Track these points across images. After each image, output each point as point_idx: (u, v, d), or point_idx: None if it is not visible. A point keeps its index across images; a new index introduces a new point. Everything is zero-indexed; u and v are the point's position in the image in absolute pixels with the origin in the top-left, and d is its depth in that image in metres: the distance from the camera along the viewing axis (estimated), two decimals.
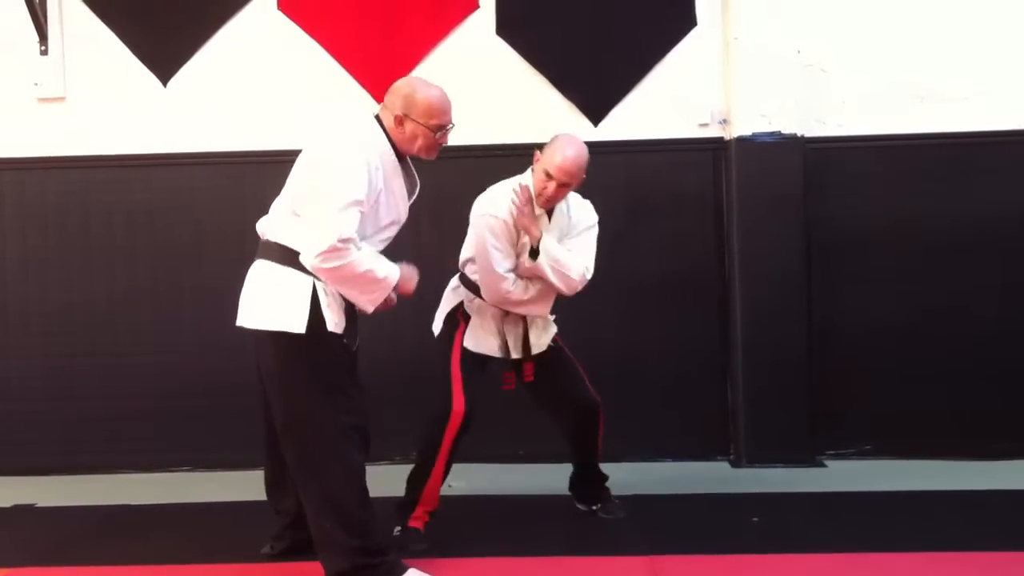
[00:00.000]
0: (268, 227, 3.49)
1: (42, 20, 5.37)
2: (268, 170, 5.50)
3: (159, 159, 5.47)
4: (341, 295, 3.40)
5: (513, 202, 3.92)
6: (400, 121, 3.43)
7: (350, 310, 3.45)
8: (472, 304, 4.12)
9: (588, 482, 4.32)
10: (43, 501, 4.77)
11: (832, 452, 5.29)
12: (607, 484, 4.34)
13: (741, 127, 5.25)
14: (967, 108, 5.27)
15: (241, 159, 5.39)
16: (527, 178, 4.01)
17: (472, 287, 4.10)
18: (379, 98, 5.38)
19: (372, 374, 5.30)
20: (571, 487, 4.37)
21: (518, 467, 5.22)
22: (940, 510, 4.29)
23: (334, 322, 3.37)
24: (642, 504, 4.42)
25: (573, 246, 4.01)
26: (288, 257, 3.36)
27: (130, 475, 5.30)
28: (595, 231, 4.10)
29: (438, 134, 3.49)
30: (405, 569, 3.43)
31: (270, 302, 3.38)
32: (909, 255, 5.29)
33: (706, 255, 5.39)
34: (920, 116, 5.29)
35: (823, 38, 5.30)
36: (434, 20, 5.42)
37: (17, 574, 3.71)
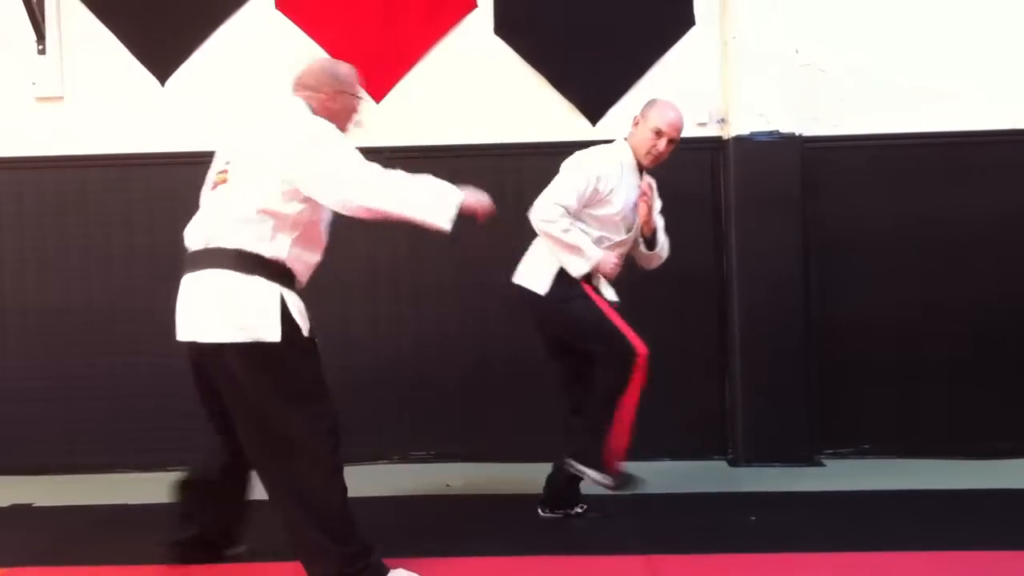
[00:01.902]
0: (216, 234, 3.31)
1: (40, 19, 5.37)
2: None
3: (157, 158, 5.47)
4: (300, 298, 3.36)
5: (644, 200, 4.10)
6: (334, 97, 3.49)
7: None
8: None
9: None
10: (41, 500, 4.77)
11: (830, 451, 5.29)
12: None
13: (739, 126, 5.25)
14: (964, 107, 5.27)
15: None
16: (618, 147, 4.16)
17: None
18: (377, 97, 5.40)
19: (371, 373, 5.36)
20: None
21: (516, 466, 5.21)
22: (938, 509, 4.30)
23: (305, 327, 3.32)
24: (640, 503, 4.42)
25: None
26: (249, 263, 3.24)
27: (128, 474, 5.30)
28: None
29: (358, 101, 3.60)
30: (388, 570, 3.40)
31: (236, 313, 3.22)
32: (907, 254, 5.30)
33: (704, 254, 5.39)
34: (918, 115, 5.30)
35: (821, 37, 5.30)
36: (432, 19, 5.42)
37: (15, 574, 3.70)
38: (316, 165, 3.23)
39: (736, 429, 5.30)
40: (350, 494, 4.13)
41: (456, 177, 5.36)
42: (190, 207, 5.44)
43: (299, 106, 3.48)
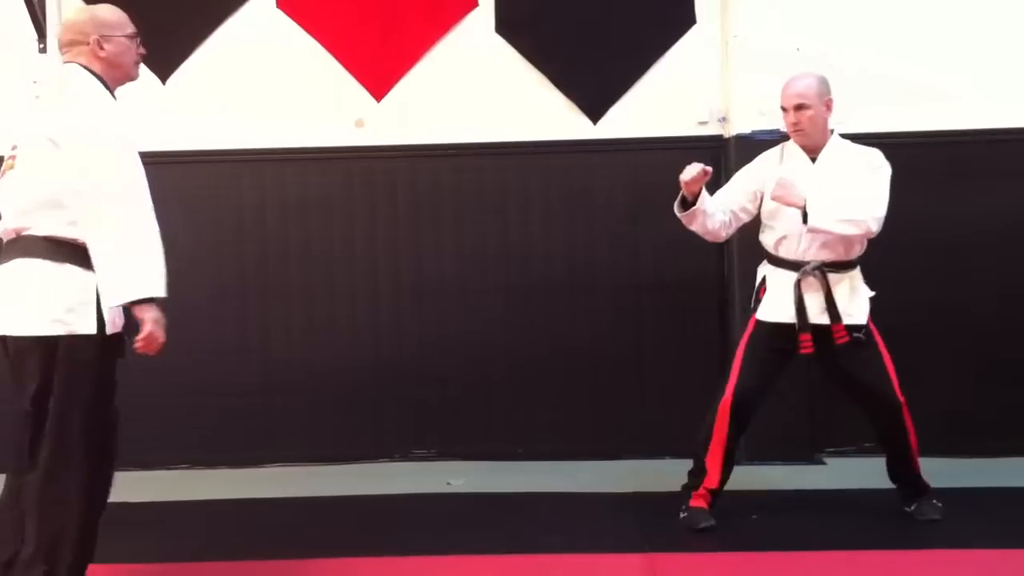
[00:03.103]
0: (24, 222, 3.05)
1: (41, 18, 5.36)
2: (267, 168, 5.55)
3: (157, 157, 5.40)
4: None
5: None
6: (100, 44, 3.15)
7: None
8: (766, 268, 4.18)
9: (901, 480, 4.21)
10: None
11: (832, 450, 5.28)
12: (926, 483, 4.18)
13: (740, 125, 5.24)
14: (967, 105, 5.26)
15: (240, 157, 5.39)
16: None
17: (765, 254, 4.18)
18: (378, 96, 5.40)
19: (373, 372, 5.36)
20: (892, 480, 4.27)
21: (516, 465, 5.21)
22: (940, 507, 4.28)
23: (115, 323, 3.12)
24: (641, 502, 4.42)
25: (856, 190, 3.98)
26: (64, 252, 3.01)
27: (129, 472, 5.27)
28: (883, 174, 4.07)
29: (135, 43, 3.26)
30: None
31: (48, 303, 3.01)
32: (909, 252, 5.28)
33: (705, 253, 5.36)
34: (920, 114, 5.28)
35: (822, 36, 5.29)
36: (433, 18, 5.41)
37: None
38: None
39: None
40: (352, 492, 4.13)
41: (456, 175, 5.43)
42: (192, 205, 5.49)
43: (71, 73, 3.16)
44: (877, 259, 5.29)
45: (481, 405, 5.37)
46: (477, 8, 5.41)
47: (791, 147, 4.13)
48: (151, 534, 4.14)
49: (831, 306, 4.00)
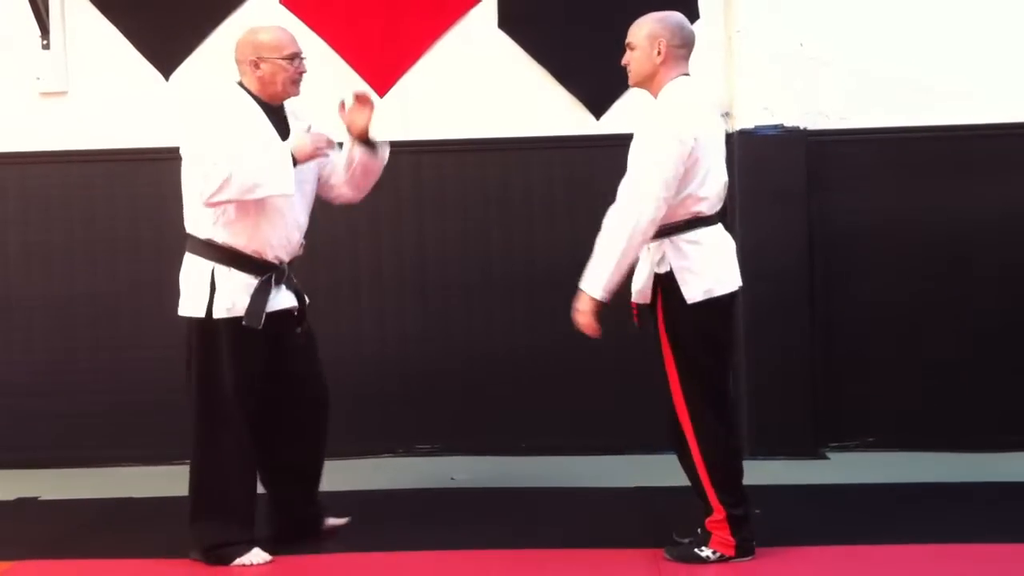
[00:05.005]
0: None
1: (44, 14, 5.36)
2: None
3: (161, 153, 5.44)
4: (241, 274, 3.56)
5: None
6: (256, 64, 3.56)
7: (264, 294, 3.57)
8: None
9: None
10: (47, 494, 4.79)
11: (835, 444, 5.29)
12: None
13: (743, 120, 5.24)
14: (970, 101, 5.25)
15: None
16: None
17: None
18: (381, 92, 5.40)
19: (377, 367, 5.37)
20: None
21: (520, 460, 5.22)
22: (942, 502, 4.29)
23: (225, 308, 3.54)
24: (645, 496, 4.43)
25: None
26: (194, 245, 3.64)
27: (133, 468, 5.31)
28: (651, 137, 3.50)
29: (294, 63, 3.62)
30: (242, 553, 3.61)
31: (184, 289, 3.65)
32: (911, 248, 5.29)
33: None
34: (923, 109, 5.27)
35: (826, 31, 5.28)
36: (436, 14, 5.41)
37: (21, 567, 3.72)
38: (185, 156, 3.58)
39: (740, 422, 5.29)
40: (358, 487, 4.17)
41: (460, 170, 5.43)
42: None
43: (221, 82, 3.64)
44: (882, 253, 5.32)
45: (485, 400, 5.37)
46: (479, 4, 5.40)
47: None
48: (155, 529, 4.14)
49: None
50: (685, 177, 3.44)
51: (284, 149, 3.47)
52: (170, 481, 4.96)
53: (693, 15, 5.36)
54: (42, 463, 5.31)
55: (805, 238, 5.22)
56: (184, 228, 3.73)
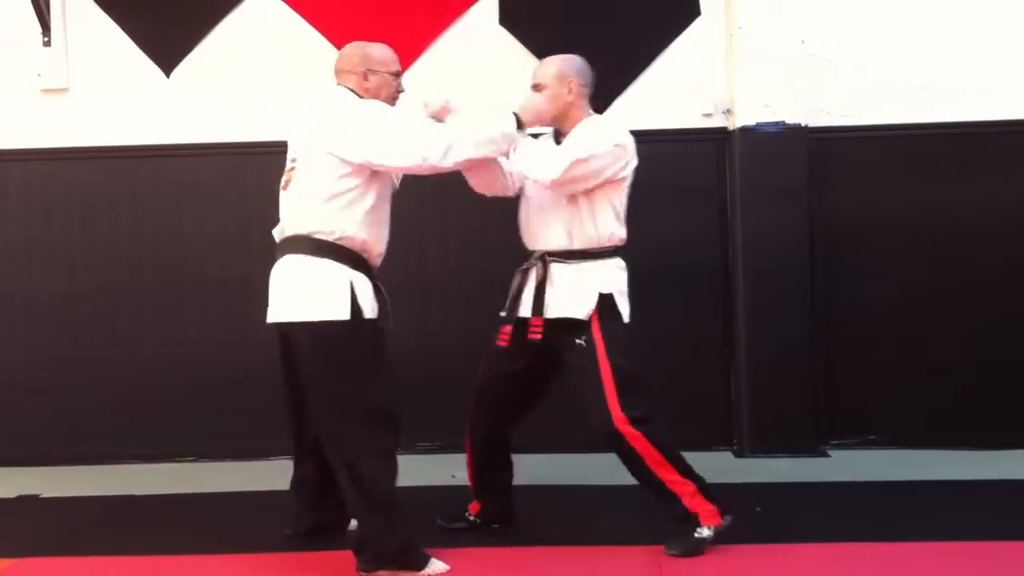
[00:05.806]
0: (290, 223, 3.55)
1: (45, 12, 5.37)
2: (272, 161, 5.53)
3: (162, 150, 5.48)
4: (372, 281, 3.59)
5: None
6: (366, 76, 3.62)
7: (381, 295, 3.62)
8: None
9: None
10: (48, 492, 4.79)
11: (836, 442, 5.29)
12: (685, 509, 3.68)
13: (745, 117, 5.24)
14: (972, 98, 5.25)
15: (245, 150, 5.39)
16: None
17: None
18: None
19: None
20: None
21: (519, 457, 5.20)
22: (943, 500, 4.29)
23: (371, 308, 3.52)
24: (644, 494, 4.41)
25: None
26: (322, 247, 3.46)
27: (135, 465, 5.32)
28: (595, 136, 3.78)
29: (398, 80, 3.71)
30: (428, 558, 3.50)
31: (307, 294, 3.45)
32: (913, 245, 5.29)
33: (709, 244, 5.38)
34: (924, 106, 5.27)
35: (827, 28, 5.28)
36: (437, 10, 5.41)
37: (22, 564, 3.72)
38: (377, 133, 3.41)
39: (741, 420, 5.30)
40: None
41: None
42: (195, 198, 5.50)
43: (341, 92, 3.63)
44: (884, 251, 5.32)
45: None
46: (481, 1, 5.40)
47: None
48: (156, 526, 4.15)
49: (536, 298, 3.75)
50: (619, 194, 3.83)
51: (507, 112, 3.58)
52: (171, 478, 5.00)
53: (694, 12, 5.37)
54: (43, 460, 5.31)
55: (806, 235, 5.21)
56: (285, 231, 3.59)
